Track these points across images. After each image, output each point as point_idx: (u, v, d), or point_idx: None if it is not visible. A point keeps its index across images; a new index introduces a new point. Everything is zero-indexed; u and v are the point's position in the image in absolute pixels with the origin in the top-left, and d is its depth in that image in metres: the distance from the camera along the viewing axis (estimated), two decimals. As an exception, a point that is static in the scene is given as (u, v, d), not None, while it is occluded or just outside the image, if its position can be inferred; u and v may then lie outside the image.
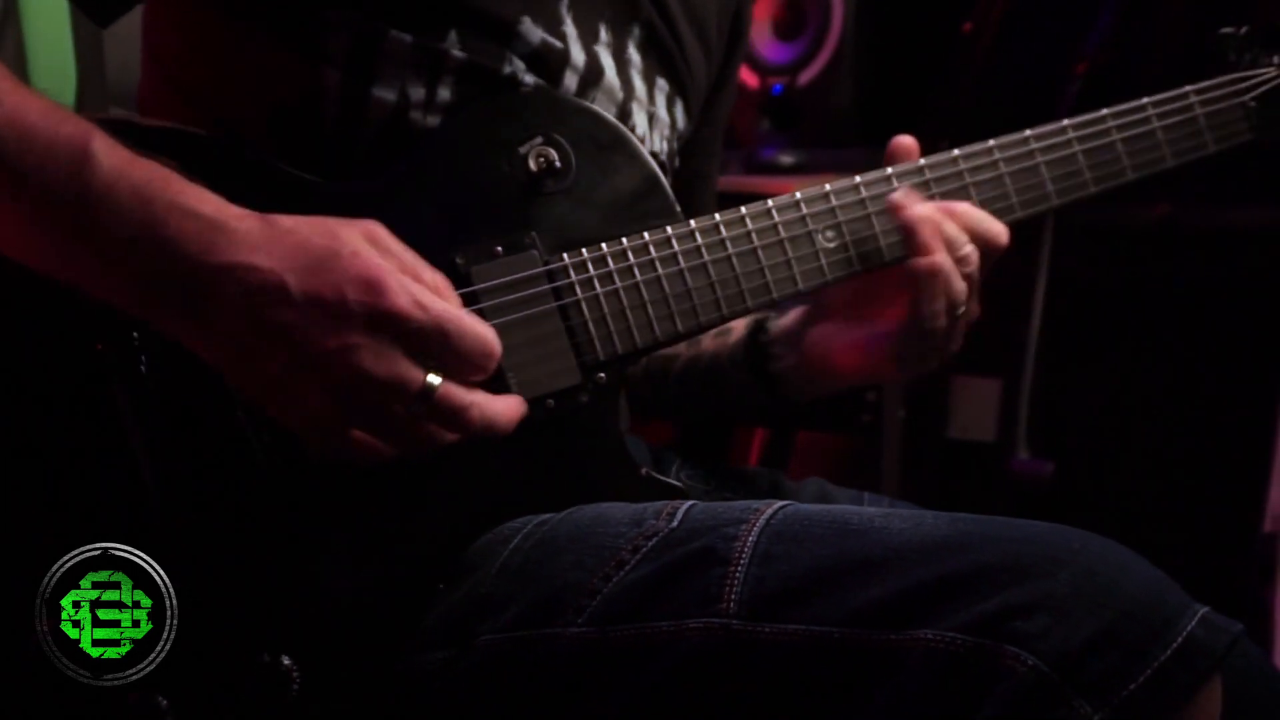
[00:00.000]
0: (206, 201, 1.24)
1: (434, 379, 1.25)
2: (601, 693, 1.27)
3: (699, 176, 1.76)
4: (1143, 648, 1.13)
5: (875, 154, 3.29)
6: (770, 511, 1.29)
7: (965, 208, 1.52)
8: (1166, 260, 3.30)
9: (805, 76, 3.37)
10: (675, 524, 1.31)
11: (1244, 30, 1.76)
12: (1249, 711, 1.29)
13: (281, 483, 1.33)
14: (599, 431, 1.44)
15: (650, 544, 1.30)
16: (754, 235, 1.49)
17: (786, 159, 3.24)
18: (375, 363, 1.23)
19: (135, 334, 1.30)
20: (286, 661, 1.31)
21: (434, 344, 1.25)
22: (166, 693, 1.29)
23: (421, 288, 1.26)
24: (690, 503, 1.35)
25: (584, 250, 1.43)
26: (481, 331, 1.28)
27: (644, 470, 1.47)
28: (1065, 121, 1.62)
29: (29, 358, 1.31)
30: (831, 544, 1.24)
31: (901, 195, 1.51)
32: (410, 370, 1.24)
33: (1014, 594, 1.15)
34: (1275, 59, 1.75)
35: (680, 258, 1.46)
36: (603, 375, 1.44)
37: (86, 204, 1.21)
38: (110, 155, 1.23)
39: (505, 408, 1.31)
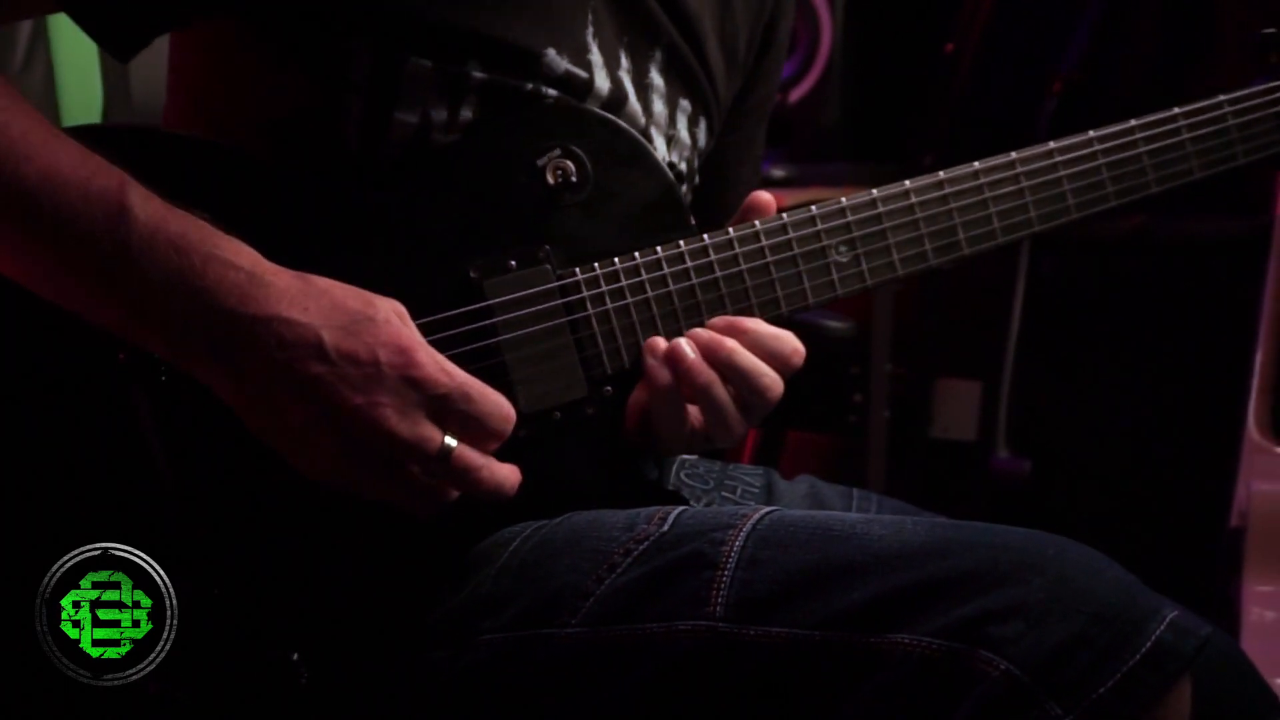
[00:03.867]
0: (243, 254, 1.23)
1: (451, 441, 1.26)
2: (595, 690, 1.26)
3: (726, 183, 1.70)
4: (1113, 652, 1.12)
5: (862, 168, 3.31)
6: (756, 517, 1.28)
7: (755, 325, 1.39)
8: (1140, 268, 3.30)
9: (796, 94, 3.39)
10: (666, 528, 1.29)
11: None
12: (1225, 703, 1.28)
13: (293, 488, 1.31)
14: (605, 443, 1.41)
15: (642, 548, 1.28)
16: (767, 250, 1.43)
17: (778, 173, 3.24)
18: (399, 422, 1.23)
19: None
20: (295, 657, 1.30)
21: (458, 406, 1.26)
22: (182, 685, 1.28)
23: (445, 358, 1.27)
24: (681, 508, 1.34)
25: (596, 264, 1.39)
26: (500, 398, 1.29)
27: (647, 479, 1.45)
28: (1091, 133, 1.51)
29: (53, 366, 1.30)
30: (814, 549, 1.23)
31: (683, 344, 1.37)
32: (430, 432, 1.25)
33: (989, 600, 1.14)
34: None
35: (692, 272, 1.41)
36: (610, 389, 1.40)
37: (124, 256, 1.21)
38: (146, 207, 1.22)
39: (510, 473, 1.31)
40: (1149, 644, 1.12)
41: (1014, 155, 1.49)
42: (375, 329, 1.24)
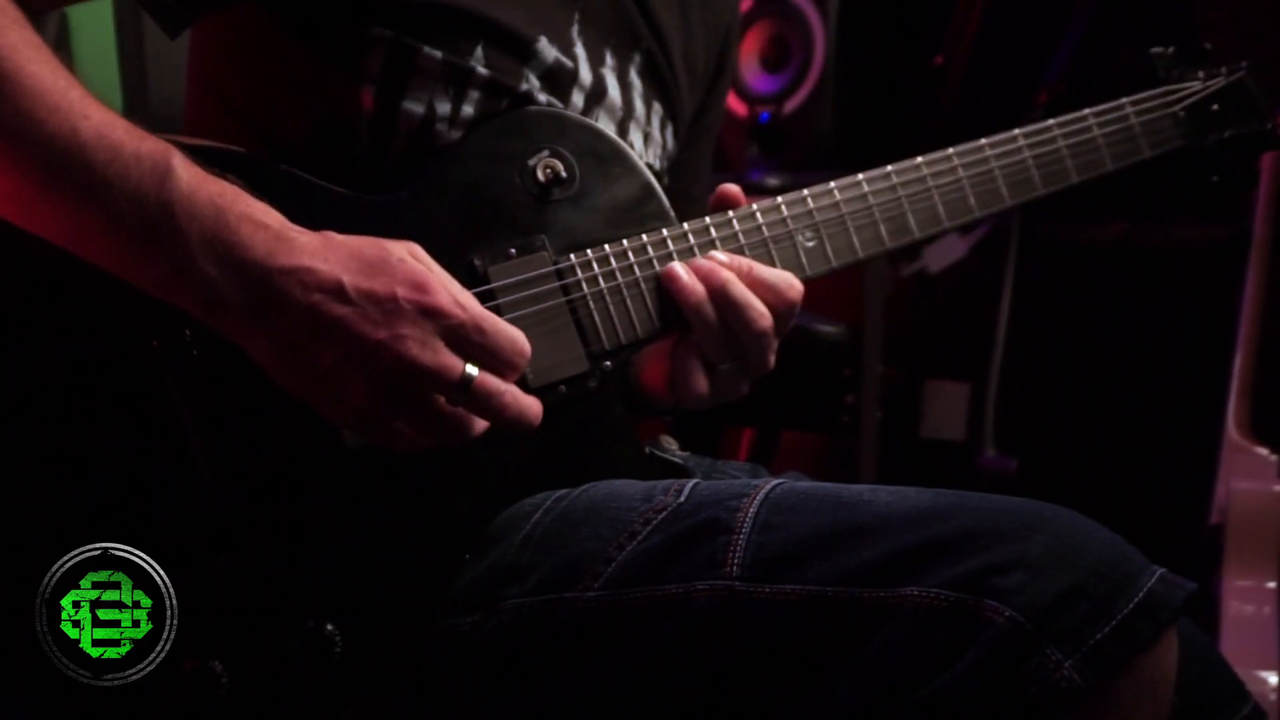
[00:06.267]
0: (271, 215, 1.28)
1: (472, 369, 1.28)
2: (617, 650, 1.29)
3: (682, 197, 1.74)
4: (1109, 601, 1.15)
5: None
6: (769, 487, 1.32)
7: (752, 263, 1.48)
8: (1122, 273, 3.33)
9: (790, 105, 3.39)
10: (683, 499, 1.33)
11: (1171, 50, 1.82)
12: (1197, 692, 1.31)
13: (324, 464, 1.35)
14: (606, 414, 1.47)
15: (660, 517, 1.32)
16: (741, 235, 1.52)
17: (773, 181, 3.26)
18: (420, 351, 1.26)
19: (188, 331, 1.32)
20: (330, 627, 1.32)
21: (473, 338, 1.29)
22: (222, 657, 1.30)
23: (461, 289, 1.30)
24: (695, 481, 1.38)
25: (589, 251, 1.46)
26: (514, 331, 1.32)
27: (647, 449, 1.50)
28: (1016, 131, 1.66)
29: (87, 353, 1.32)
30: (825, 514, 1.27)
31: (678, 267, 1.47)
32: (451, 359, 1.28)
33: (993, 554, 1.17)
34: (1200, 74, 1.81)
35: (675, 256, 1.49)
36: (608, 363, 1.46)
37: (167, 211, 1.24)
38: (188, 169, 1.26)
39: (532, 402, 1.34)
40: (1141, 594, 1.16)
41: (951, 150, 1.63)
42: (391, 269, 1.27)
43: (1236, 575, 2.55)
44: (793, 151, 3.36)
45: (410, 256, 1.29)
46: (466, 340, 1.28)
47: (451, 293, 1.29)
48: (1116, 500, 3.28)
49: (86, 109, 1.26)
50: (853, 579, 1.21)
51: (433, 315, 1.27)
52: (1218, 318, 2.88)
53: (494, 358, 1.30)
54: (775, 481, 1.33)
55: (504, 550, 1.36)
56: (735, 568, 1.25)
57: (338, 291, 1.25)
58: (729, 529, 1.28)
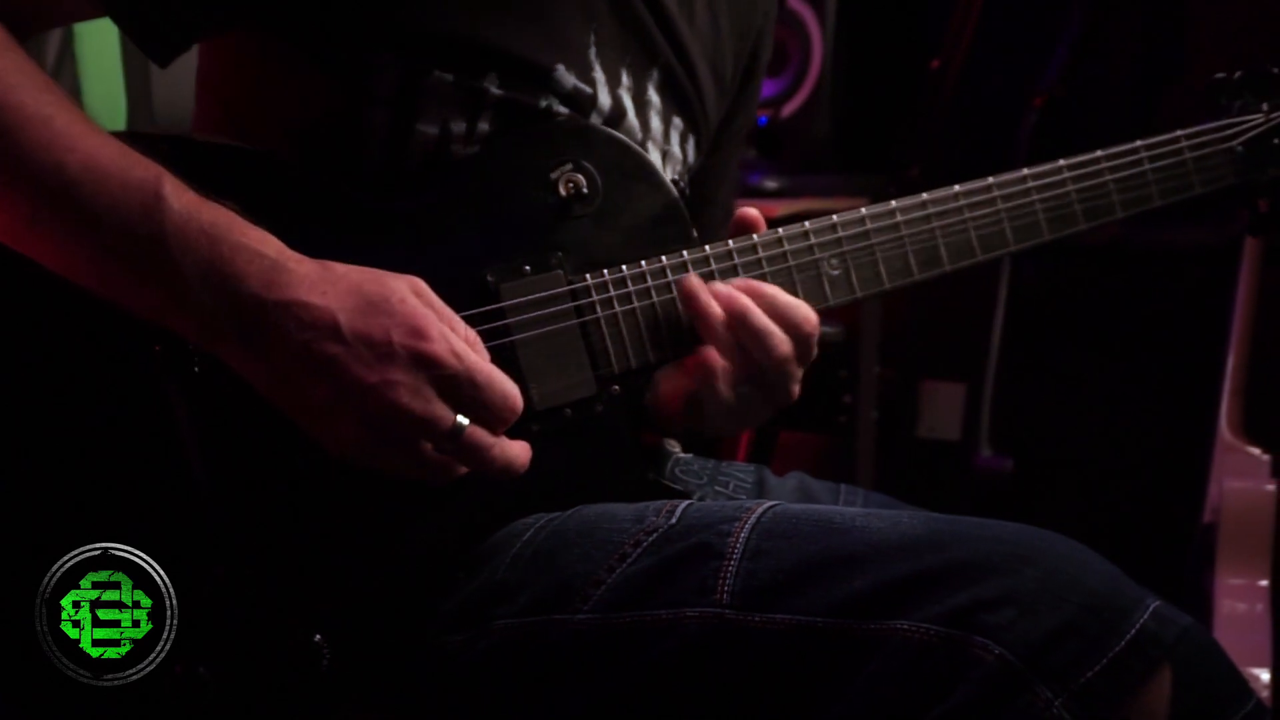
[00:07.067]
0: (268, 244, 1.25)
1: (463, 420, 1.26)
2: (605, 673, 1.28)
3: (707, 201, 1.72)
4: (1100, 639, 1.13)
5: (851, 179, 3.31)
6: (760, 511, 1.29)
7: (774, 292, 1.43)
8: (1116, 275, 3.31)
9: (788, 109, 3.37)
10: (674, 521, 1.31)
11: (1236, 75, 1.68)
12: (1200, 690, 1.30)
13: (320, 477, 1.32)
14: (611, 439, 1.43)
15: (651, 539, 1.30)
16: (764, 262, 1.46)
17: (771, 184, 3.24)
18: (411, 400, 1.24)
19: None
20: (318, 638, 1.30)
21: (465, 390, 1.26)
22: (208, 663, 1.28)
23: (459, 339, 1.28)
24: (687, 502, 1.35)
25: (605, 271, 1.42)
26: (508, 387, 1.29)
27: (651, 476, 1.47)
28: (1061, 161, 1.57)
29: (90, 356, 1.30)
30: (817, 541, 1.24)
31: (696, 282, 1.42)
32: (442, 410, 1.26)
33: (983, 589, 1.15)
34: (1264, 105, 1.67)
35: None
36: (617, 388, 1.43)
37: (159, 242, 1.22)
38: (180, 197, 1.23)
39: (520, 451, 1.32)
40: (1134, 631, 1.14)
41: (991, 180, 1.54)
42: (389, 309, 1.25)
43: (1229, 573, 2.55)
44: (790, 154, 3.34)
45: (412, 294, 1.27)
46: (459, 391, 1.26)
47: (449, 341, 1.26)
48: (1111, 499, 3.27)
49: (72, 140, 1.24)
50: (843, 610, 1.19)
51: (426, 364, 1.25)
52: (1211, 318, 2.87)
53: (486, 410, 1.28)
54: (768, 504, 1.31)
55: (494, 569, 1.34)
56: (725, 595, 1.23)
57: (332, 330, 1.23)
58: (720, 554, 1.25)
